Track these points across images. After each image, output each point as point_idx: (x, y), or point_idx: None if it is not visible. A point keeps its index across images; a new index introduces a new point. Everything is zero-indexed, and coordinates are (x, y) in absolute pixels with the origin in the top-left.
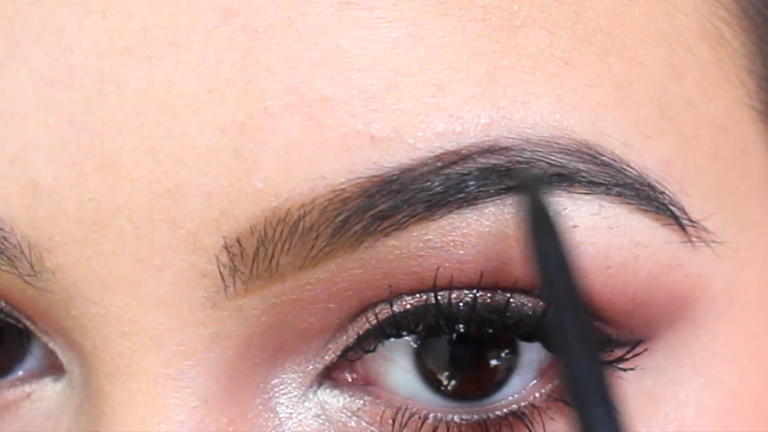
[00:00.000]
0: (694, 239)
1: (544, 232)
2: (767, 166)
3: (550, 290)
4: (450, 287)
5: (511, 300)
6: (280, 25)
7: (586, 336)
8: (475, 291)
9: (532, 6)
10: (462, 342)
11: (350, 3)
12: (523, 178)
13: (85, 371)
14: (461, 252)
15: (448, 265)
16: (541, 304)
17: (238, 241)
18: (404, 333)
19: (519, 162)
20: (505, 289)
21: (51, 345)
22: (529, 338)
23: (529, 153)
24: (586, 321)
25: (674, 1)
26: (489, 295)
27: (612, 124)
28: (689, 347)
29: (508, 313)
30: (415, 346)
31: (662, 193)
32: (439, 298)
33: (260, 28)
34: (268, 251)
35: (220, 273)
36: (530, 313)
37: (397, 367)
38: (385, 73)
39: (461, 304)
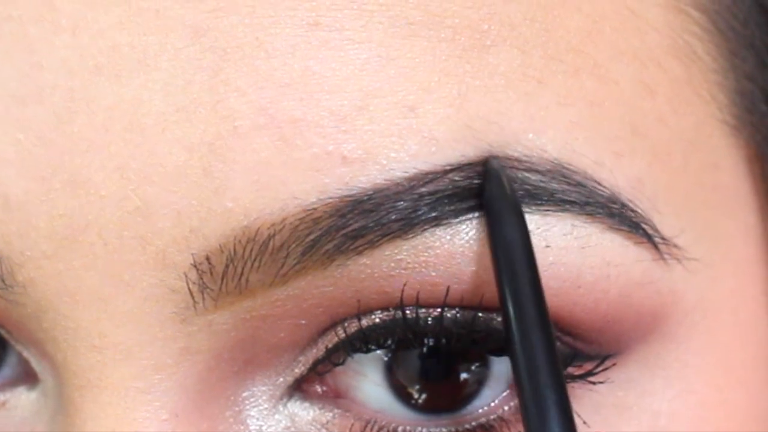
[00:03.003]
0: (665, 256)
1: (506, 219)
2: (738, 179)
3: (510, 277)
4: (417, 305)
5: (479, 315)
6: (249, 45)
7: (546, 329)
8: (441, 308)
9: (502, 25)
10: (432, 355)
11: (319, 24)
12: (488, 165)
13: (58, 382)
14: (433, 273)
15: (418, 286)
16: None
17: (207, 258)
18: (373, 347)
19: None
20: (471, 307)
21: (25, 354)
22: (498, 353)
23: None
24: (545, 312)
25: (645, 18)
26: (456, 311)
27: (584, 143)
28: (662, 359)
29: (476, 328)
30: (386, 359)
31: (634, 211)
32: (407, 313)
33: (229, 49)
34: (237, 269)
35: (189, 290)
36: (499, 327)
37: (368, 381)
38: (355, 94)
39: (429, 319)
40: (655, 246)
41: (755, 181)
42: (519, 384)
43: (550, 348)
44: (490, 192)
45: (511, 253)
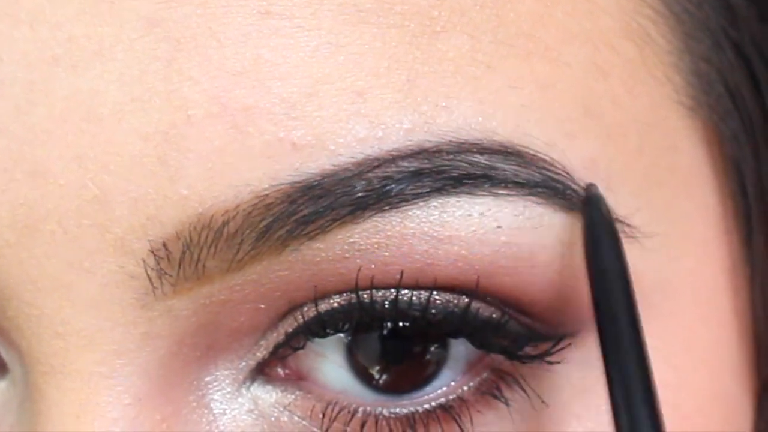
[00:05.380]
0: (620, 236)
1: (605, 247)
2: (697, 160)
3: (608, 306)
4: (371, 287)
5: (436, 297)
6: (202, 35)
7: (641, 354)
8: (395, 289)
9: (453, 11)
10: (392, 337)
11: (270, 13)
12: (588, 193)
13: (25, 370)
14: (386, 254)
15: (373, 266)
16: (465, 300)
17: (164, 245)
18: (330, 331)
19: (442, 165)
20: (425, 288)
21: None
22: (455, 334)
23: (452, 156)
24: (642, 339)
25: (597, 1)
26: (412, 293)
27: (535, 125)
28: None
29: (432, 310)
30: (346, 341)
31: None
32: (363, 297)
33: (182, 39)
34: (194, 255)
35: (148, 275)
36: (455, 310)
37: (329, 362)
38: (305, 81)
39: (386, 302)
40: None
41: (714, 162)
42: (614, 406)
43: (645, 372)
44: (590, 218)
45: (608, 280)
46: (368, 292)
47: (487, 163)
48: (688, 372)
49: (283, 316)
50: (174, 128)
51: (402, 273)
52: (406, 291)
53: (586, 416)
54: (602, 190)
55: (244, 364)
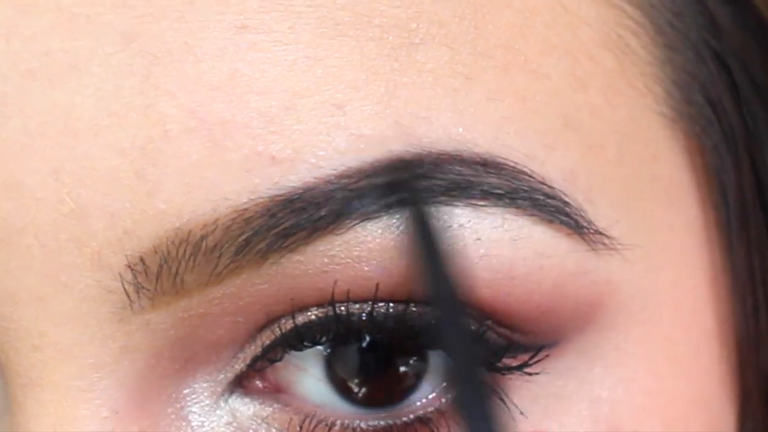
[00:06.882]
0: (599, 247)
1: (428, 246)
2: (678, 171)
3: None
4: (347, 300)
5: (412, 308)
6: (178, 50)
7: (466, 346)
8: (371, 302)
9: (431, 23)
10: (371, 350)
11: (247, 27)
12: (409, 191)
13: (3, 382)
14: (366, 268)
15: (351, 281)
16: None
17: (141, 259)
18: (308, 344)
19: (422, 176)
20: (400, 301)
21: None
22: (432, 345)
23: (431, 167)
24: (466, 330)
25: (577, 13)
26: (388, 305)
27: (515, 137)
28: (601, 348)
29: (409, 322)
30: (325, 354)
31: (566, 203)
32: (340, 309)
33: (159, 53)
34: (171, 269)
35: (125, 290)
36: (432, 321)
37: (309, 376)
38: (283, 94)
39: (363, 315)
40: (584, 237)
41: (695, 172)
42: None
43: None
44: (414, 218)
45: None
46: (345, 304)
47: (466, 174)
48: (669, 379)
49: (261, 328)
50: (151, 143)
51: (377, 286)
52: (382, 303)
53: (568, 422)
54: (581, 201)
55: (222, 376)
